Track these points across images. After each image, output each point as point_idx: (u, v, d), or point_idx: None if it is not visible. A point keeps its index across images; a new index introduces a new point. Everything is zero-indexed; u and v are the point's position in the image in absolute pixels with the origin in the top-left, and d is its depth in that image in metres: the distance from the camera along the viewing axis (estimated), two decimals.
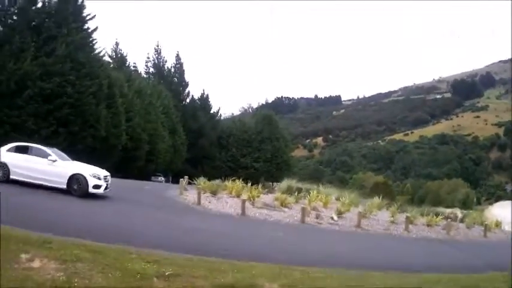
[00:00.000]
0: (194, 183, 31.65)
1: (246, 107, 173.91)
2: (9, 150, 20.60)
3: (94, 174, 20.00)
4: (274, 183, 47.79)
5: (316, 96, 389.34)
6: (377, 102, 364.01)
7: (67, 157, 22.29)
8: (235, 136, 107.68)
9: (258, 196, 27.93)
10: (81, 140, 53.65)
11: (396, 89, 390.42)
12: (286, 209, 26.15)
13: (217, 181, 33.03)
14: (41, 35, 51.12)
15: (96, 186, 19.89)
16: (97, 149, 59.58)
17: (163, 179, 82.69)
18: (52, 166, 19.74)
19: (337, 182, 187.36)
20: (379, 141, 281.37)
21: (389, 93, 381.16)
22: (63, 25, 51.97)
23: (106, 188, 20.58)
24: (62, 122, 51.07)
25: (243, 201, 22.86)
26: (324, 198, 31.63)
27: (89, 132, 54.36)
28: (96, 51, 61.01)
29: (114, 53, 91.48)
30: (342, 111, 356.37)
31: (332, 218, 25.85)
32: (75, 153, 53.38)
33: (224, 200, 25.98)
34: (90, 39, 56.95)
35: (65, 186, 19.46)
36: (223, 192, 29.14)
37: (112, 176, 54.96)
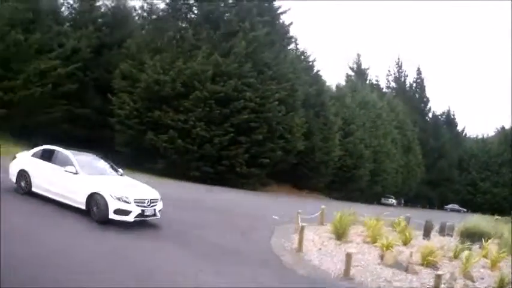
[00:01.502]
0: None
1: (499, 128, 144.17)
2: (34, 154, 14.17)
3: (117, 196, 11.97)
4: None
5: None
6: None
7: (110, 169, 14.52)
8: (476, 157, 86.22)
9: (409, 242, 15.92)
10: (268, 153, 38.74)
11: None
12: (427, 271, 12.60)
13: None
14: (218, 30, 37.74)
15: (120, 212, 11.97)
16: (296, 164, 44.92)
17: (394, 201, 65.48)
18: (71, 180, 12.60)
19: None
20: None
21: None
22: (246, 19, 37.83)
23: (143, 215, 12.43)
24: (241, 129, 36.72)
25: (348, 257, 11.35)
26: (495, 254, 14.62)
27: (277, 144, 38.95)
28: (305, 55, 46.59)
29: (355, 65, 77.63)
30: None
31: None
32: (262, 168, 40.21)
33: (347, 248, 14.08)
34: (280, 36, 41.81)
35: (84, 207, 12.29)
36: (359, 233, 16.98)
37: (320, 197, 36.98)
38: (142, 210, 12.43)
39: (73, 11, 42.56)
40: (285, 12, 42.32)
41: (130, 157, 37.04)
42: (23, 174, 13.65)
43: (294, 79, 40.78)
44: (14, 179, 13.76)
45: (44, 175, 13.29)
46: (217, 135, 36.11)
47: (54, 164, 13.30)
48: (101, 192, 12.08)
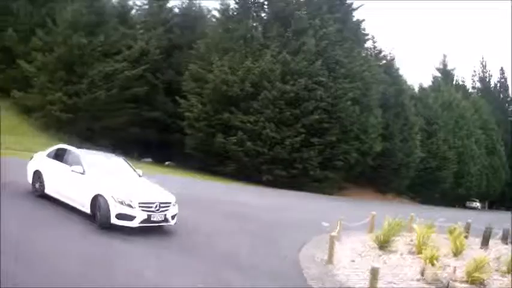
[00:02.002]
0: None
1: None
2: (48, 154, 12.32)
3: (120, 199, 9.92)
4: None
5: None
6: None
7: (126, 169, 12.27)
8: None
9: (460, 252, 11.99)
10: (343, 155, 35.08)
11: None
12: None
13: None
14: (288, 28, 34.57)
15: (123, 217, 9.92)
16: (376, 166, 40.87)
17: (478, 205, 60.07)
18: (77, 180, 10.73)
19: None
20: None
21: None
22: (316, 15, 34.40)
23: (149, 221, 10.20)
24: (314, 130, 33.23)
25: (373, 273, 7.56)
26: None
27: (352, 145, 35.07)
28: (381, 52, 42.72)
29: (441, 65, 73.21)
30: None
31: None
32: (336, 170, 36.31)
33: (388, 259, 11.27)
34: (353, 33, 37.82)
35: (88, 211, 10.33)
36: (408, 242, 13.47)
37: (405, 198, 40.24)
38: (149, 216, 10.30)
39: (142, 13, 41.12)
40: (356, 8, 38.29)
41: (200, 160, 34.90)
42: (37, 175, 12.02)
43: (368, 77, 36.59)
44: (30, 180, 12.14)
45: (56, 176, 11.60)
46: (288, 136, 32.79)
47: (66, 164, 11.53)
48: (103, 195, 10.16)
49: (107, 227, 9.93)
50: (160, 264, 8.36)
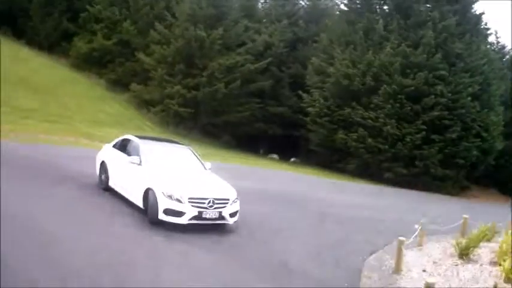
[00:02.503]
0: None
1: None
2: (115, 145, 11.92)
3: (168, 193, 9.25)
4: None
5: None
6: None
7: (192, 162, 11.32)
8: None
9: None
10: (463, 153, 32.83)
11: None
12: None
13: None
14: (408, 20, 33.35)
15: (170, 212, 9.19)
16: (499, 166, 38.65)
17: None
18: (134, 172, 10.23)
19: None
20: None
21: None
22: (436, 7, 33.09)
23: (201, 218, 9.32)
24: (434, 127, 31.55)
25: None
26: None
27: (472, 143, 32.89)
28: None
29: None
30: None
31: None
32: (457, 169, 33.97)
33: (465, 269, 9.76)
34: (472, 26, 35.86)
35: (141, 205, 9.76)
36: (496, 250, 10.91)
37: None
38: (200, 212, 9.44)
39: (267, 6, 41.05)
40: (476, 1, 36.42)
41: (324, 157, 34.09)
42: (103, 167, 11.76)
43: (488, 72, 34.57)
44: (97, 172, 11.92)
45: (117, 167, 11.16)
46: (409, 133, 31.07)
47: (127, 155, 11.03)
48: (153, 188, 9.52)
49: (156, 223, 9.29)
50: (193, 264, 7.74)
